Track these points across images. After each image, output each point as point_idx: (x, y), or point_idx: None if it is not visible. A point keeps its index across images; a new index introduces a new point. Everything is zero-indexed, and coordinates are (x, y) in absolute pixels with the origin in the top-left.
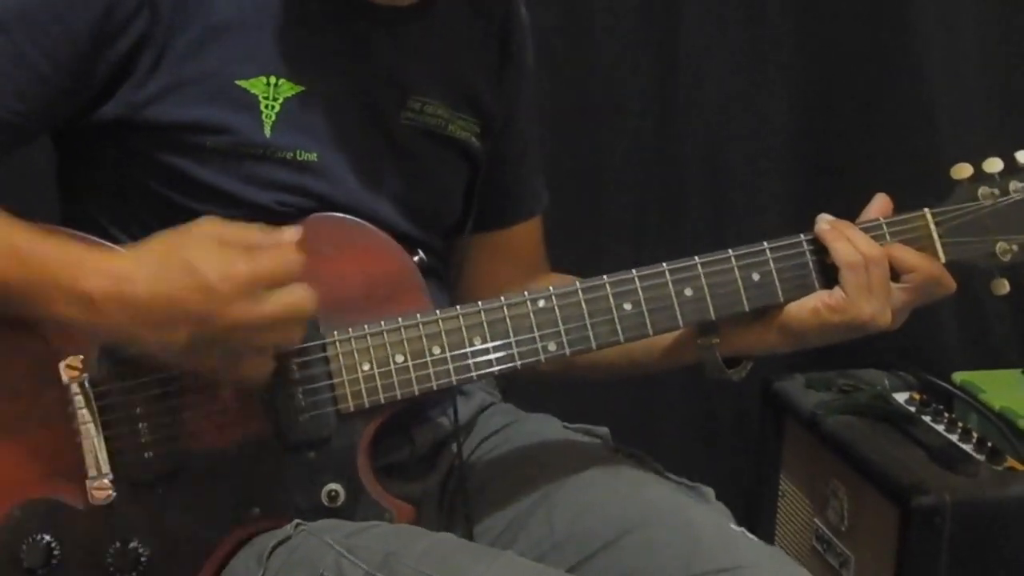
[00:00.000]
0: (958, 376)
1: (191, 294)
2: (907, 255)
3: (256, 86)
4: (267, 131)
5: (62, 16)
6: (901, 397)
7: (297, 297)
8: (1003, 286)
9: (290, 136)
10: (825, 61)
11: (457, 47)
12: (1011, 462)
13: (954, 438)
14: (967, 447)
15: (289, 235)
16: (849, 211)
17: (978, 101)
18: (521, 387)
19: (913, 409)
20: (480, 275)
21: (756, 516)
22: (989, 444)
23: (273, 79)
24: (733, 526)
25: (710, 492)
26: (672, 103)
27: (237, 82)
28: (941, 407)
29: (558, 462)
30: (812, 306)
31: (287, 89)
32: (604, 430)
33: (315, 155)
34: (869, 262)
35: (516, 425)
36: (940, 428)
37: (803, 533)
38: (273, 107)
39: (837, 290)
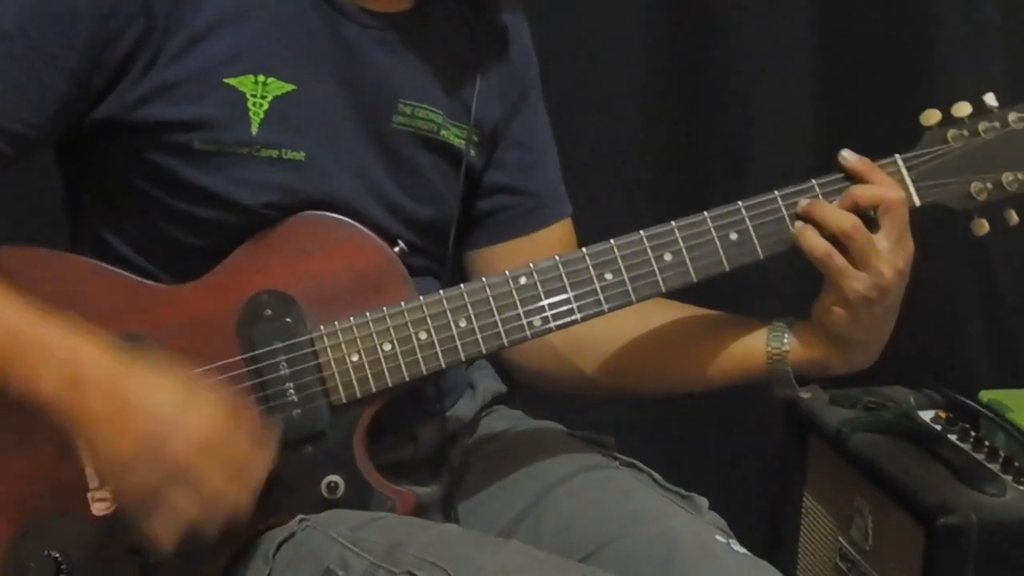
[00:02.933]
0: (984, 394)
1: (175, 431)
2: (867, 192)
3: (244, 84)
4: (254, 128)
5: (62, 23)
6: (927, 415)
7: (237, 500)
8: (983, 227)
9: (277, 134)
10: (848, 55)
11: (451, 56)
12: None
13: (980, 457)
14: (993, 466)
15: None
16: None
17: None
18: (540, 400)
19: (939, 427)
20: None
21: (779, 534)
22: (1016, 463)
23: (262, 77)
24: (719, 537)
25: (703, 502)
26: (695, 101)
27: (225, 80)
28: (967, 425)
29: (549, 472)
30: (821, 307)
31: (276, 87)
32: (609, 439)
33: (302, 154)
34: (842, 237)
35: (516, 432)
36: (966, 447)
37: (827, 551)
38: (261, 104)
39: (826, 286)
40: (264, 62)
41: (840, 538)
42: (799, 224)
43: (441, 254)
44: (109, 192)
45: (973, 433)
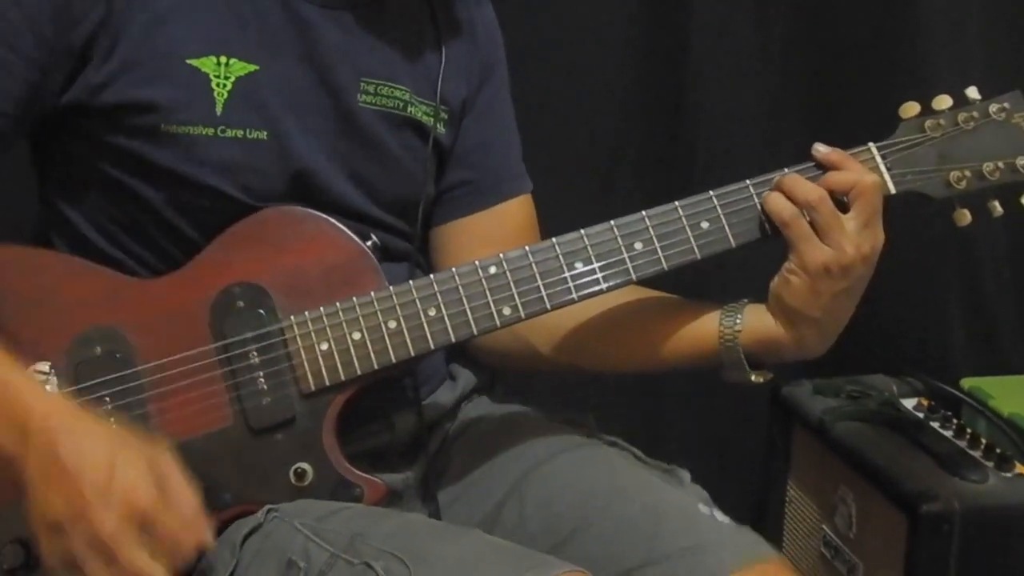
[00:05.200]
0: (966, 382)
1: (91, 474)
2: (841, 177)
3: (206, 64)
4: (218, 109)
5: (24, 10)
6: (909, 403)
7: None
8: (964, 216)
9: (241, 114)
10: (827, 54)
11: (413, 34)
12: (1020, 469)
13: (962, 444)
14: (975, 454)
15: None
16: None
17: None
18: (521, 389)
19: (921, 415)
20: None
21: (764, 522)
22: (997, 451)
23: (224, 59)
24: (702, 507)
25: (685, 474)
26: (674, 98)
27: (188, 61)
28: (949, 413)
29: (531, 452)
30: (780, 279)
31: (239, 68)
32: (589, 418)
33: (265, 133)
34: (807, 207)
35: (496, 416)
36: (948, 434)
37: (811, 539)
38: (225, 85)
39: (788, 256)
40: (225, 43)
41: (824, 526)
42: (768, 191)
43: (414, 236)
44: (80, 182)
45: (955, 421)
